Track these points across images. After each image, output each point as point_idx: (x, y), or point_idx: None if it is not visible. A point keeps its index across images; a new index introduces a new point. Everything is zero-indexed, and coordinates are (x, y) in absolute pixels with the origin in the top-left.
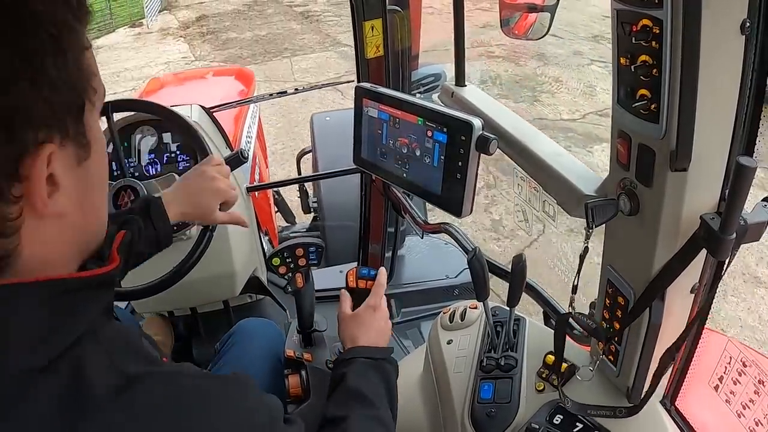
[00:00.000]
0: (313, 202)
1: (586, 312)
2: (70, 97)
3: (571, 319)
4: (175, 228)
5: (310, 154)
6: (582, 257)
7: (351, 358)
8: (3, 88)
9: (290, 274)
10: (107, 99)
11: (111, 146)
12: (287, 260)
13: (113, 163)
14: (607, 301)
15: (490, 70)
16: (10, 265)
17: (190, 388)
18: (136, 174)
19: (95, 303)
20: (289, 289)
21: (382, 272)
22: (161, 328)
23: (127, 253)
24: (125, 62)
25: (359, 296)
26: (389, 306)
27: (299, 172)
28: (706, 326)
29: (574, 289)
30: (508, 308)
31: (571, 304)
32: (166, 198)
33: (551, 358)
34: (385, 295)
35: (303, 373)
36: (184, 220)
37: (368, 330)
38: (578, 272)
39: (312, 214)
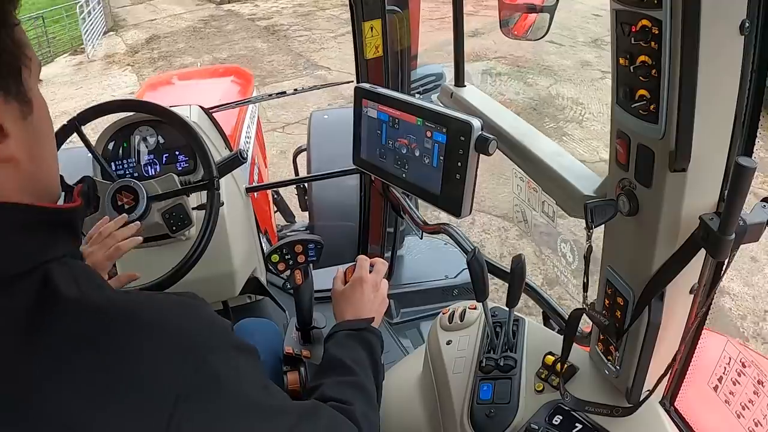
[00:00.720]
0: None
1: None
2: (9, 61)
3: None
4: None
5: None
6: (587, 257)
7: (333, 333)
8: None
9: (289, 272)
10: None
11: (112, 145)
12: (286, 257)
13: (112, 163)
14: (607, 302)
15: (498, 92)
16: None
17: (143, 296)
18: (136, 174)
19: (61, 240)
20: (288, 286)
21: (361, 257)
22: None
23: (86, 201)
24: (62, 102)
25: None
26: (388, 306)
27: (296, 171)
28: (705, 326)
29: (585, 287)
30: (507, 309)
31: (584, 302)
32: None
33: (551, 358)
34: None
35: (301, 369)
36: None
37: (354, 304)
38: (586, 271)
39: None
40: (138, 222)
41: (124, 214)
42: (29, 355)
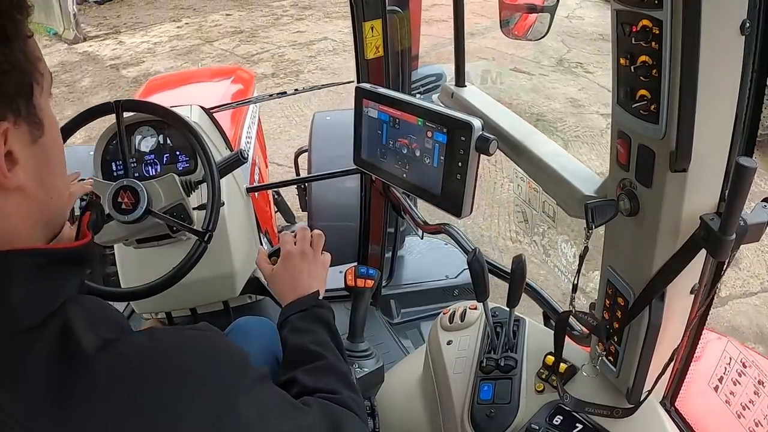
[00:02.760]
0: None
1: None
2: (19, 79)
3: (571, 318)
4: None
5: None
6: (582, 257)
7: (285, 319)
8: None
9: None
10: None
11: (113, 144)
12: None
13: (113, 163)
14: (607, 302)
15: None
16: None
17: (165, 339)
18: (136, 174)
19: (74, 275)
20: None
21: (283, 233)
22: None
23: (95, 231)
24: None
25: (359, 295)
26: (388, 307)
27: (297, 171)
28: (705, 327)
29: (575, 288)
30: (507, 309)
31: (571, 303)
32: None
33: (551, 358)
34: (385, 295)
35: None
36: None
37: (291, 282)
38: (578, 272)
39: None
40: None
41: (77, 172)
42: (59, 408)
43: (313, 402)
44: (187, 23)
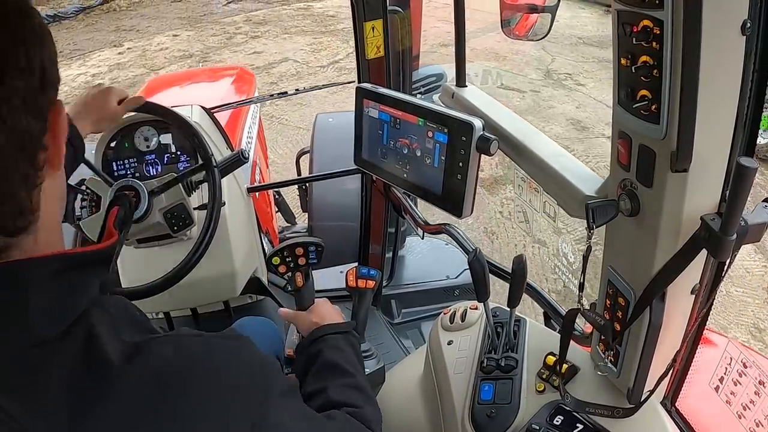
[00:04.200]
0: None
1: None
2: (55, 71)
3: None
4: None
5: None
6: (585, 257)
7: (322, 335)
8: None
9: (290, 274)
10: None
11: (114, 144)
12: (287, 259)
13: (113, 163)
14: (608, 302)
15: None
16: (34, 220)
17: (192, 343)
18: (137, 174)
19: (97, 277)
20: (289, 288)
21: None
22: None
23: (121, 229)
24: None
25: (360, 296)
26: (389, 307)
27: (298, 172)
28: (706, 327)
29: (581, 287)
30: (508, 309)
31: (579, 302)
32: (71, 115)
33: (551, 358)
34: (386, 295)
35: None
36: (94, 131)
37: (323, 317)
38: (583, 271)
39: None
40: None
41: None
42: (83, 421)
43: (338, 415)
44: (129, 48)
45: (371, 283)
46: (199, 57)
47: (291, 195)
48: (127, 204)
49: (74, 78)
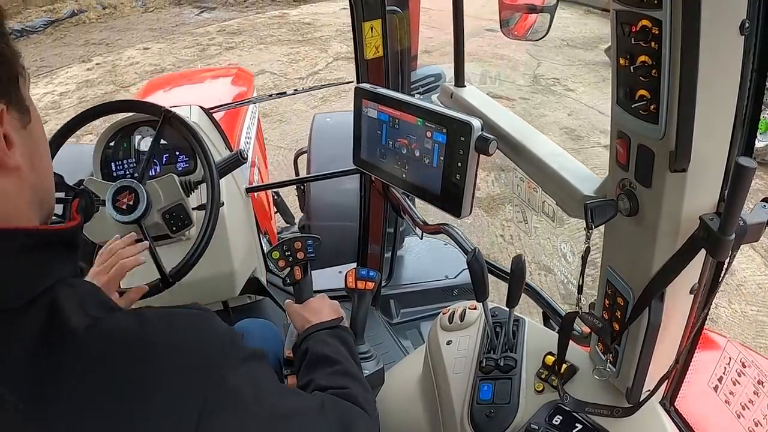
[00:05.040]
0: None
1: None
2: (8, 68)
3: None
4: None
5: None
6: (584, 258)
7: (309, 334)
8: None
9: (289, 268)
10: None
11: (113, 145)
12: (286, 253)
13: (112, 163)
14: (607, 302)
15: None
16: None
17: (153, 315)
18: (135, 175)
19: (63, 259)
20: (288, 282)
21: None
22: None
23: (84, 216)
24: None
25: (359, 297)
26: (388, 307)
27: (296, 172)
28: (705, 327)
29: (580, 289)
30: (507, 309)
31: (577, 304)
32: None
33: (551, 358)
34: (385, 295)
35: None
36: None
37: (318, 312)
38: (582, 272)
39: None
40: (146, 242)
41: (133, 234)
42: (42, 389)
43: (321, 394)
44: (98, 63)
45: (370, 285)
46: (171, 72)
47: (291, 197)
48: (88, 196)
49: (40, 98)
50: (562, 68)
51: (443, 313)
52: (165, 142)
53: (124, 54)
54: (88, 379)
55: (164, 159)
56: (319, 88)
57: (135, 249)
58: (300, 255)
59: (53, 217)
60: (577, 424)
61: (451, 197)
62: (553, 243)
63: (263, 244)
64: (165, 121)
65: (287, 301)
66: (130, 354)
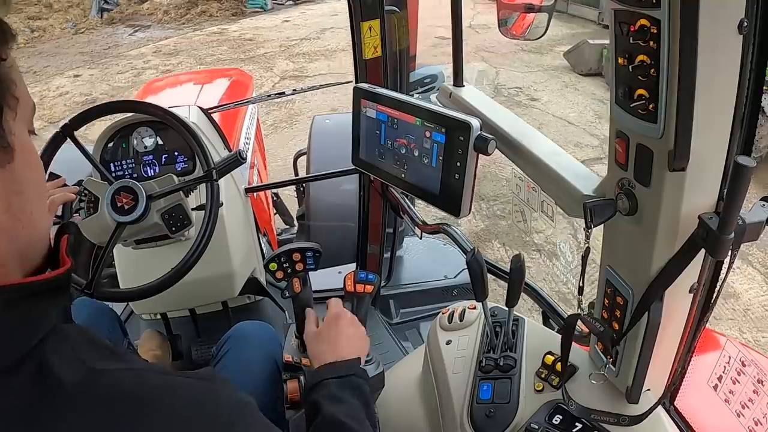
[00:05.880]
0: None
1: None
2: None
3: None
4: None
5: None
6: (584, 258)
7: (320, 381)
8: None
9: (287, 280)
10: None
11: (111, 145)
12: (284, 265)
13: (111, 164)
14: (606, 301)
15: None
16: None
17: (156, 382)
18: (135, 175)
19: (53, 306)
20: (287, 294)
21: (332, 300)
22: (159, 344)
23: (75, 254)
24: None
25: (358, 300)
26: (388, 307)
27: (296, 174)
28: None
29: (580, 291)
30: (507, 308)
31: (578, 305)
32: None
33: (550, 358)
34: (384, 295)
35: (301, 378)
36: None
37: (334, 344)
38: (582, 273)
39: None
40: (74, 187)
41: (62, 177)
42: None
43: None
44: None
45: (369, 288)
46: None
47: (291, 200)
48: (74, 230)
49: None
50: (522, 76)
51: (443, 313)
52: (162, 142)
53: (52, 83)
54: None
55: (163, 159)
56: (318, 88)
57: (63, 189)
58: (299, 266)
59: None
60: (577, 424)
61: (450, 197)
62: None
63: (263, 245)
64: (170, 125)
65: (309, 327)
66: (121, 417)
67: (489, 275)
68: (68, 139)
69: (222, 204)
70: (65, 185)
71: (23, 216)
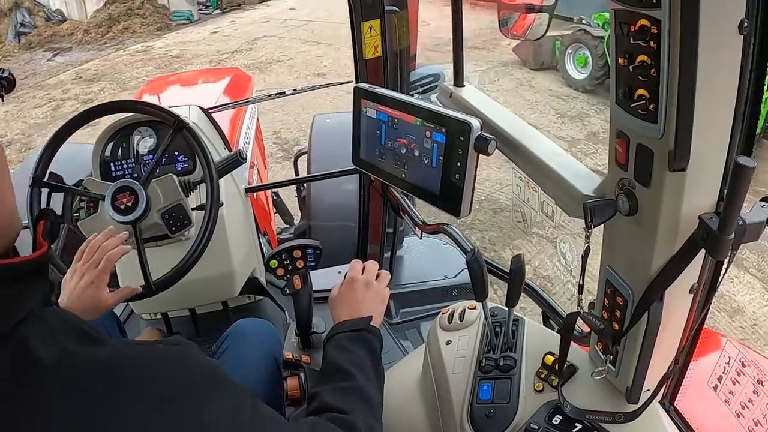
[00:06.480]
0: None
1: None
2: None
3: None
4: None
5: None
6: (584, 258)
7: (332, 335)
8: None
9: (288, 276)
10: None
11: (112, 145)
12: (285, 262)
13: (111, 164)
14: (606, 302)
15: None
16: None
17: (129, 350)
18: (135, 175)
19: (32, 290)
20: (287, 291)
21: (354, 261)
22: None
23: (52, 239)
24: None
25: None
26: (388, 307)
27: (296, 173)
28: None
29: (580, 289)
30: (506, 309)
31: (578, 304)
32: (62, 306)
33: (550, 358)
34: None
35: (301, 375)
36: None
37: (348, 304)
38: (582, 273)
39: None
40: (125, 233)
41: (112, 227)
42: (13, 428)
43: (308, 420)
44: None
45: None
46: (20, 145)
47: (291, 199)
48: (52, 216)
49: None
50: (473, 75)
51: (443, 313)
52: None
53: None
54: (58, 414)
55: (163, 159)
56: (318, 88)
57: (117, 240)
58: (299, 263)
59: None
60: (576, 424)
61: (451, 197)
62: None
63: (263, 245)
64: (177, 130)
65: (332, 292)
66: (102, 390)
67: (489, 275)
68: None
69: (222, 204)
70: (80, 179)
71: None
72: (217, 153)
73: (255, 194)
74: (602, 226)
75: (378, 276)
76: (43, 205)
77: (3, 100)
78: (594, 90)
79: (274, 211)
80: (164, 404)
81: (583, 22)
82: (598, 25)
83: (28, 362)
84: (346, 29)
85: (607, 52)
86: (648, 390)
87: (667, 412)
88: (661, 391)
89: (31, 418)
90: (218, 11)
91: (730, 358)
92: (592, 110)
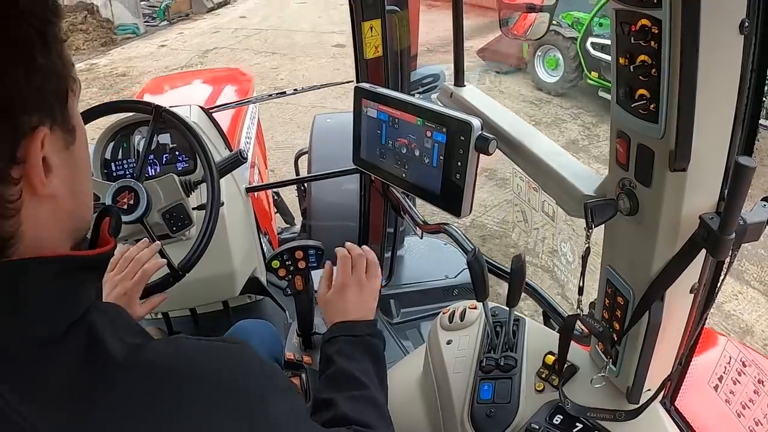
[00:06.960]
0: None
1: (585, 311)
2: (57, 84)
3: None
4: None
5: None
6: (584, 258)
7: (334, 336)
8: (0, 78)
9: (290, 277)
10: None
11: (112, 145)
12: (287, 263)
13: (112, 163)
14: (607, 301)
15: None
16: (14, 247)
17: (192, 344)
18: (135, 174)
19: (94, 282)
20: (289, 292)
21: (339, 250)
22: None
23: (115, 236)
24: None
25: None
26: (388, 307)
27: (297, 173)
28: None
29: (580, 291)
30: (507, 308)
31: (578, 306)
32: None
33: (551, 358)
34: (385, 295)
35: (303, 376)
36: None
37: (344, 308)
38: (582, 273)
39: None
40: (159, 242)
41: (145, 239)
42: (80, 421)
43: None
44: None
45: None
46: None
47: (291, 198)
48: (117, 213)
49: None
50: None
51: (443, 313)
52: (165, 141)
53: None
54: (126, 410)
55: (164, 159)
56: (318, 88)
57: (151, 252)
58: (301, 264)
59: None
60: (577, 424)
61: (451, 197)
62: None
63: (263, 244)
64: (157, 117)
65: (320, 291)
66: (170, 384)
67: (489, 275)
68: None
69: (223, 203)
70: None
71: (80, 197)
72: (218, 153)
73: (256, 194)
74: (602, 226)
75: (367, 270)
76: None
77: None
78: (566, 93)
79: (275, 210)
80: (235, 401)
81: (554, 23)
82: (568, 25)
83: (99, 355)
84: (300, 37)
85: (580, 54)
86: (649, 390)
87: (668, 411)
88: (662, 391)
89: (98, 414)
90: (165, 22)
91: (730, 357)
92: (567, 115)
